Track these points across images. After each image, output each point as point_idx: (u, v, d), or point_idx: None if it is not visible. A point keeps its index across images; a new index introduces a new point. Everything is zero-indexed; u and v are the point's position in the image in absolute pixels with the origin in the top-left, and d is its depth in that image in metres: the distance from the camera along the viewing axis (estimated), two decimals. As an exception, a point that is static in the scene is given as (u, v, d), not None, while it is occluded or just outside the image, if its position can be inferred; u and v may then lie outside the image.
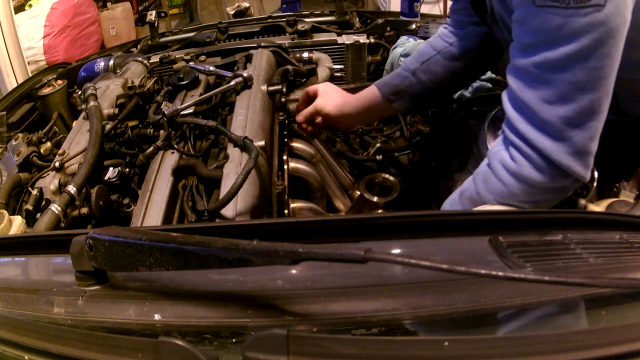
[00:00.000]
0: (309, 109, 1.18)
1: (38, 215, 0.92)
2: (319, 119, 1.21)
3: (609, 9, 0.64)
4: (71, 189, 0.91)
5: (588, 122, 0.70)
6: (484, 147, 0.96)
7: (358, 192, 1.17)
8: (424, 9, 1.72)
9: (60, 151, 1.07)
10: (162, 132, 1.08)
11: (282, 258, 0.41)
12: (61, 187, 0.99)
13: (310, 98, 1.20)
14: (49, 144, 1.16)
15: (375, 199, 1.12)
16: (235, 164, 0.95)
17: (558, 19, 0.66)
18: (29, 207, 0.94)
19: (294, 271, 0.52)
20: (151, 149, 1.06)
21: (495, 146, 0.81)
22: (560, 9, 0.65)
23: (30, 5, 3.95)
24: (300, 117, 1.21)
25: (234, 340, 0.47)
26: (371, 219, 0.62)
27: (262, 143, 0.99)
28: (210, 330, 0.48)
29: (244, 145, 0.95)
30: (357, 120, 1.23)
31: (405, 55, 1.45)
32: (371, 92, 1.15)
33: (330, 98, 1.17)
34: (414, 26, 1.65)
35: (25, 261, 0.66)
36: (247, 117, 1.07)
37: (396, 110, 1.16)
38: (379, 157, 1.36)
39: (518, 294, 0.48)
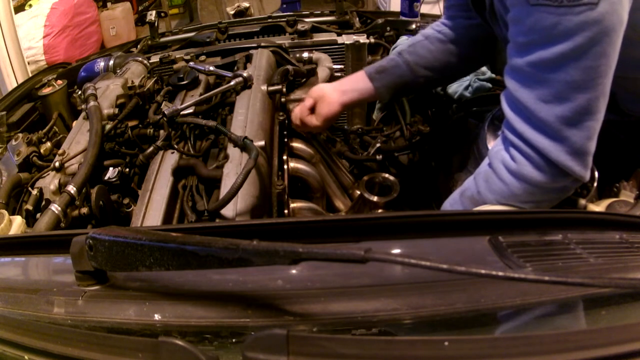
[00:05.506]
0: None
1: (38, 215, 0.92)
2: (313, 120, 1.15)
3: (604, 8, 0.63)
4: (71, 189, 0.91)
5: (585, 121, 0.70)
6: (484, 147, 0.96)
7: (358, 192, 1.17)
8: (424, 9, 1.73)
9: (60, 151, 1.07)
10: (162, 132, 1.08)
11: (282, 258, 0.41)
12: (61, 187, 0.99)
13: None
14: (49, 144, 1.16)
15: (375, 198, 1.12)
16: (235, 164, 0.95)
17: (551, 17, 0.66)
18: (29, 207, 0.94)
19: (294, 271, 0.52)
20: (151, 149, 1.06)
21: (495, 146, 0.81)
22: (554, 7, 0.65)
23: (30, 5, 3.95)
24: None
25: (234, 340, 0.47)
26: (371, 219, 0.62)
27: (262, 143, 0.99)
28: (210, 330, 0.48)
29: (244, 145, 0.95)
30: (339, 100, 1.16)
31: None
32: (358, 73, 1.16)
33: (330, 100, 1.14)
34: (414, 26, 1.65)
35: (25, 261, 0.66)
36: (247, 117, 1.07)
37: (376, 92, 1.13)
38: (379, 157, 1.36)
39: (518, 294, 0.48)
